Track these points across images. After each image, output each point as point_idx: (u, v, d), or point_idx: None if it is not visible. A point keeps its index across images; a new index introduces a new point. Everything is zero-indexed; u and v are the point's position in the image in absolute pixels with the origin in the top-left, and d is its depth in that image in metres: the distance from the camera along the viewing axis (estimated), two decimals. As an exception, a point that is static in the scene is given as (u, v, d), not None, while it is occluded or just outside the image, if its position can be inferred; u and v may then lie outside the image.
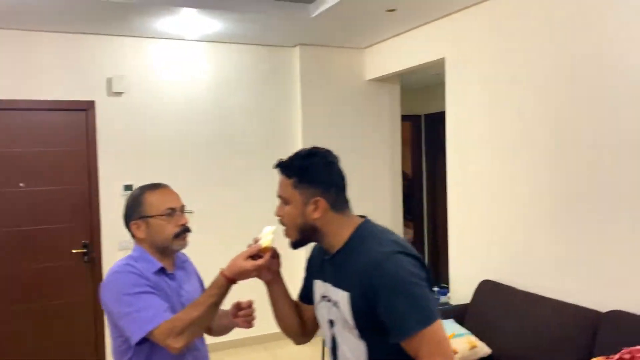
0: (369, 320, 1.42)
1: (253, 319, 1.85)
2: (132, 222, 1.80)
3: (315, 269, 1.63)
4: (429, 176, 6.61)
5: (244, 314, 1.84)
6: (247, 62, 4.87)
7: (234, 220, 4.73)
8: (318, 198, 1.47)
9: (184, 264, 1.95)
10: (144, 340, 1.64)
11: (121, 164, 4.40)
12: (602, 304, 2.79)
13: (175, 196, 1.85)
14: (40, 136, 4.22)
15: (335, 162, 1.53)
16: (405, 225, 6.95)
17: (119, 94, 4.40)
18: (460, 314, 3.50)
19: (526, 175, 3.35)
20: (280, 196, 1.54)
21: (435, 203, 6.42)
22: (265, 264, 1.61)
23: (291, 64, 4.99)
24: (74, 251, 4.31)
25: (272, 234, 1.62)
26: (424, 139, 6.62)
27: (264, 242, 1.61)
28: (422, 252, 6.62)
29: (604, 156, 2.85)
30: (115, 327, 1.72)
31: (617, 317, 2.66)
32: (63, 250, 4.30)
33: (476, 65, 3.72)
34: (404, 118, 6.16)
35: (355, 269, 1.43)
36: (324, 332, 1.61)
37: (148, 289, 1.69)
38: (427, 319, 1.36)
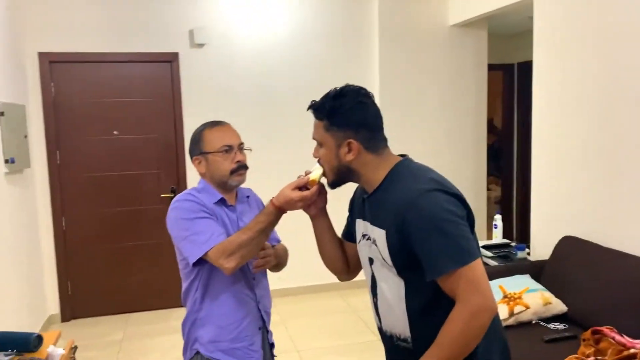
0: (405, 258, 1.40)
1: (259, 263, 1.86)
2: (194, 158, 1.89)
3: (357, 208, 1.63)
4: (520, 130, 6.22)
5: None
6: (326, 10, 4.81)
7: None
8: (350, 140, 1.45)
9: (247, 199, 2.01)
10: (201, 262, 1.74)
11: (204, 114, 4.52)
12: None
13: (233, 133, 1.89)
14: (130, 87, 4.50)
15: (366, 100, 1.48)
16: (493, 182, 6.66)
17: (201, 45, 4.55)
18: (538, 270, 3.33)
19: (613, 128, 3.03)
20: (314, 138, 1.53)
21: (527, 159, 6.05)
22: (310, 196, 1.62)
23: (370, 11, 4.85)
24: (162, 195, 4.63)
25: (321, 169, 1.62)
26: (516, 90, 6.22)
27: (313, 175, 1.61)
28: (510, 210, 6.32)
29: None
30: (179, 250, 1.83)
31: None
32: (153, 195, 4.63)
33: (567, 5, 3.37)
34: (494, 67, 5.81)
35: (391, 207, 1.41)
36: (365, 270, 1.61)
37: (205, 214, 1.78)
38: (463, 258, 1.32)
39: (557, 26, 3.49)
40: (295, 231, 4.44)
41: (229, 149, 1.84)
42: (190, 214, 1.77)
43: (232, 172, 1.85)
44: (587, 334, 2.49)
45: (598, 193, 3.20)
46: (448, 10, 4.84)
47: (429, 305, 1.41)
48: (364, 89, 1.50)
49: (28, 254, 4.07)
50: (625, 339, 2.40)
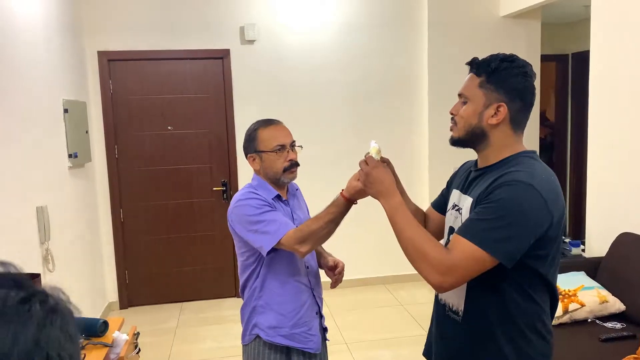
0: None
1: (336, 283, 2.07)
2: (249, 155, 1.99)
3: (458, 180, 1.63)
4: (574, 123, 6.04)
5: (334, 277, 2.07)
6: (375, 1, 4.79)
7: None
8: (502, 104, 1.41)
9: (296, 192, 2.14)
10: (272, 250, 1.84)
11: (255, 109, 4.66)
12: None
13: (286, 132, 1.98)
14: (184, 83, 4.64)
15: (531, 74, 1.44)
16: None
17: (251, 41, 4.63)
18: (594, 267, 3.24)
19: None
20: (461, 94, 1.49)
21: (581, 154, 5.87)
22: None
23: (419, 2, 4.81)
24: (214, 189, 4.76)
25: (377, 146, 1.62)
26: (570, 82, 6.02)
27: (371, 152, 1.61)
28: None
29: None
30: (242, 244, 1.94)
31: None
32: (205, 188, 4.76)
33: (629, -10, 3.24)
34: (548, 58, 5.66)
35: (489, 181, 1.39)
36: (443, 239, 1.62)
37: (269, 208, 1.88)
38: (484, 241, 1.31)
39: (615, 15, 3.36)
40: (344, 226, 4.48)
41: (281, 148, 1.93)
42: (256, 210, 1.87)
43: (285, 170, 1.94)
44: (647, 333, 2.42)
45: (659, 188, 3.08)
46: (499, 1, 4.73)
47: (489, 285, 1.41)
48: (531, 65, 1.46)
49: (90, 244, 4.28)
50: (688, 340, 2.32)
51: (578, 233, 5.63)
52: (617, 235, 3.23)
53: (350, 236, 4.70)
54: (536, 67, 4.91)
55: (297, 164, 1.98)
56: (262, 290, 1.95)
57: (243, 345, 2.03)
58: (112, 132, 4.56)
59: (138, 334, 2.30)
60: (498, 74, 1.41)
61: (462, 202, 1.51)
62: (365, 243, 4.82)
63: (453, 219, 1.55)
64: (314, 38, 4.75)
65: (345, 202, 1.74)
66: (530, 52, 4.86)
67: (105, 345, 2.00)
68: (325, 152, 4.78)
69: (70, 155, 3.76)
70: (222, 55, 4.62)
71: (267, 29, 4.66)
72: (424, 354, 1.74)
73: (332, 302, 4.50)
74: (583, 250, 3.67)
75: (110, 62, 4.50)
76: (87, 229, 4.23)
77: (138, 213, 4.69)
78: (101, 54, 4.47)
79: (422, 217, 1.78)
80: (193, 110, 4.67)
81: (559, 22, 5.61)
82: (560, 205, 1.39)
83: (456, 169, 1.74)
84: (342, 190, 1.75)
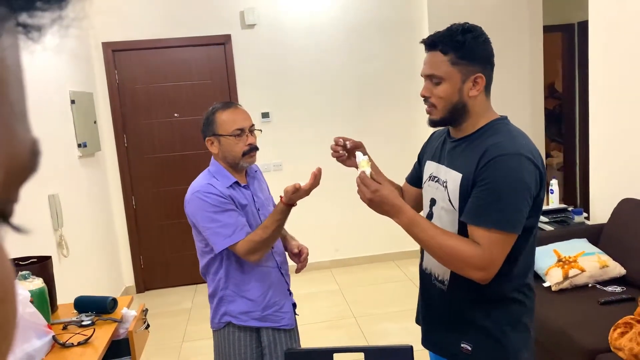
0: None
1: (301, 269, 2.11)
2: (207, 139, 1.95)
3: (431, 151, 1.65)
4: (582, 93, 5.97)
5: (300, 264, 2.10)
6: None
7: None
8: (479, 75, 1.42)
9: (256, 174, 2.11)
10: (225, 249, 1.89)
11: (258, 93, 4.73)
12: None
13: (245, 116, 1.94)
14: (187, 71, 4.71)
15: (489, 40, 1.47)
16: (556, 148, 6.45)
17: (251, 26, 4.67)
18: (596, 234, 3.26)
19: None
20: (430, 75, 1.46)
21: (589, 124, 5.81)
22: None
23: (417, -21, 4.80)
24: (222, 173, 4.84)
25: (364, 157, 1.60)
26: (577, 52, 5.95)
27: (361, 167, 1.57)
28: (573, 178, 6.11)
29: None
30: (199, 234, 1.95)
31: None
32: (213, 173, 4.84)
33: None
34: (554, 28, 5.60)
35: (476, 155, 1.41)
36: (424, 209, 1.65)
37: (227, 206, 1.87)
38: (500, 223, 1.35)
39: (613, -20, 3.34)
40: (352, 204, 4.54)
41: (241, 132, 1.89)
42: (213, 207, 1.85)
43: (244, 154, 1.91)
44: (644, 295, 2.44)
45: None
46: (499, -27, 4.70)
47: None
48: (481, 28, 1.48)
49: (104, 232, 4.41)
50: (684, 299, 2.35)
51: (588, 203, 5.61)
52: (618, 202, 3.25)
53: (360, 214, 4.73)
54: (539, 38, 4.87)
55: (256, 148, 1.95)
56: (227, 280, 1.94)
57: (213, 330, 2.04)
58: (120, 121, 4.66)
59: (147, 310, 2.40)
60: (466, 47, 1.41)
61: (445, 175, 1.51)
62: (375, 221, 4.85)
63: (434, 191, 1.56)
64: (314, 20, 4.77)
65: (286, 208, 1.83)
66: (532, 23, 4.82)
67: (115, 321, 2.10)
68: (328, 134, 4.79)
69: (79, 145, 3.87)
70: (224, 41, 4.68)
71: (267, 12, 4.69)
72: (417, 321, 1.79)
73: (342, 278, 4.57)
74: (587, 218, 3.69)
75: (114, 52, 4.59)
76: (101, 216, 4.36)
77: (150, 199, 4.81)
78: (105, 45, 4.56)
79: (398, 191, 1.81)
80: (198, 96, 4.74)
81: (563, -9, 5.54)
82: (542, 163, 1.44)
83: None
84: (281, 196, 1.83)
